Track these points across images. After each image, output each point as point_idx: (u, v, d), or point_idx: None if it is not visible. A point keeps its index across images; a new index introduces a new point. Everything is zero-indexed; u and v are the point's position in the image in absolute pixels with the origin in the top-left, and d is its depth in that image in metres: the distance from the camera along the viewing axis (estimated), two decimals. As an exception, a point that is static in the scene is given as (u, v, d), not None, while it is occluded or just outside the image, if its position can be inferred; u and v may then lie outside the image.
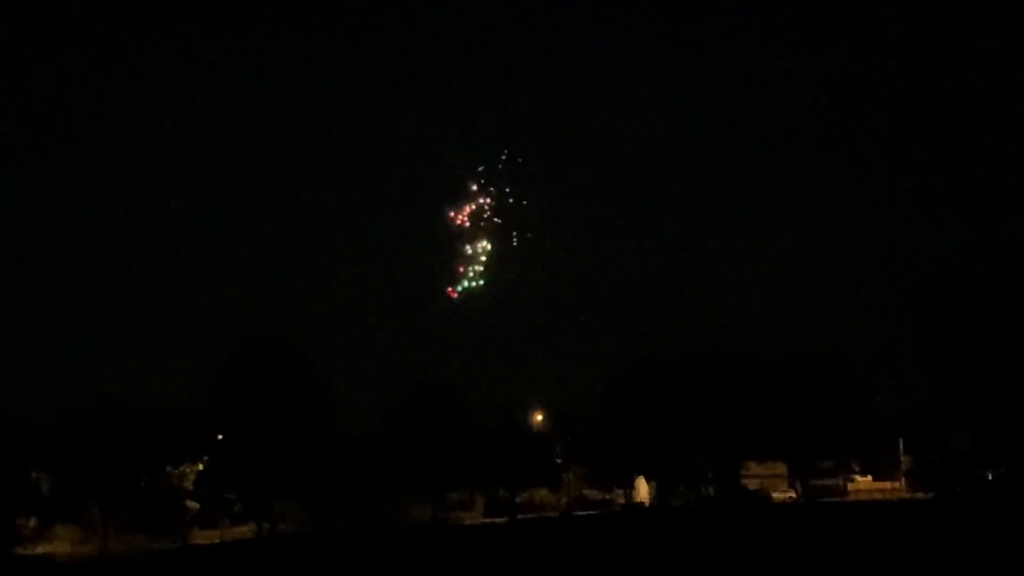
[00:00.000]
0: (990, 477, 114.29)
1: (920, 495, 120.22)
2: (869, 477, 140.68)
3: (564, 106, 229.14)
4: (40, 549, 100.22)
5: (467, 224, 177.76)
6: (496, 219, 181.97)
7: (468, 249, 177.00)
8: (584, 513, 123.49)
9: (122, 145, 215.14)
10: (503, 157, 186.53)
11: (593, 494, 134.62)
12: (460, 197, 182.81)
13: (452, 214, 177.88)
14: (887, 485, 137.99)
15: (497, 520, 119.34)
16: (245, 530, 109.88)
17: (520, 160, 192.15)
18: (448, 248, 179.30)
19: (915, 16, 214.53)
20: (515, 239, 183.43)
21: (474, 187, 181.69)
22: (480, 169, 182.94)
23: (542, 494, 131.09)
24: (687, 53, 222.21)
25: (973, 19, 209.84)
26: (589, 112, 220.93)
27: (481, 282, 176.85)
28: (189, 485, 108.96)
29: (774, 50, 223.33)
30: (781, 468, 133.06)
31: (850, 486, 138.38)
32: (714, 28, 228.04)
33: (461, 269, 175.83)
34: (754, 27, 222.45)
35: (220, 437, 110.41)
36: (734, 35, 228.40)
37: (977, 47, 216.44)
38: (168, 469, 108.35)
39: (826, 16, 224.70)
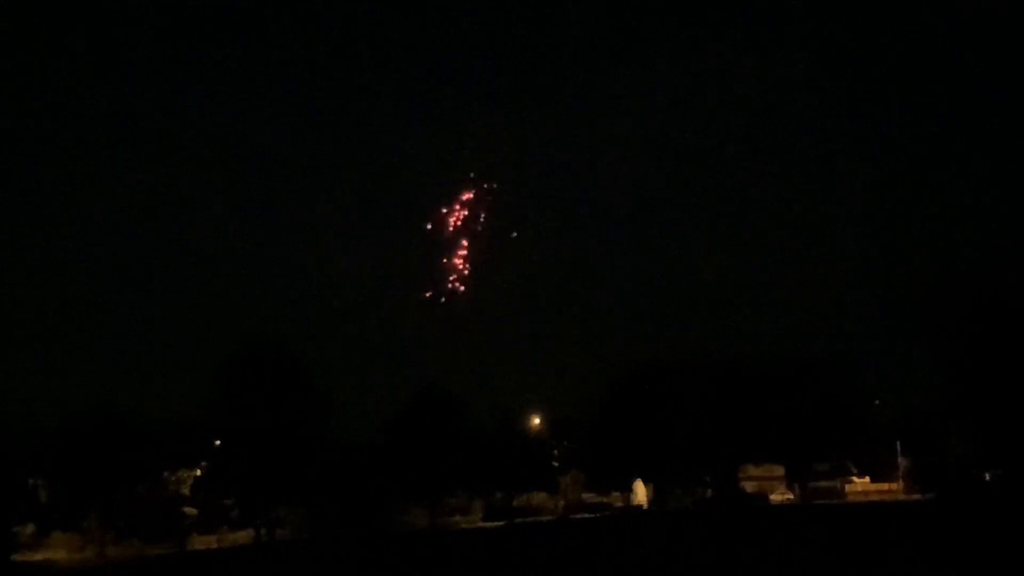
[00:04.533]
0: (987, 478, 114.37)
1: (918, 496, 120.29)
2: (867, 479, 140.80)
3: (562, 111, 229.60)
4: (38, 556, 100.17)
5: (459, 226, 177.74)
6: (490, 223, 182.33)
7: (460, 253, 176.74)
8: (580, 516, 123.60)
9: (124, 153, 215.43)
10: (500, 160, 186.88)
11: (591, 497, 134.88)
12: (456, 201, 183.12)
13: (448, 217, 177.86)
14: (885, 486, 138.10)
15: (495, 524, 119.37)
16: (243, 536, 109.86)
17: (517, 164, 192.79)
18: (443, 253, 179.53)
19: (917, 21, 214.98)
20: (511, 244, 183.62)
21: (471, 191, 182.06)
22: (476, 174, 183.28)
23: (539, 498, 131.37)
24: (689, 58, 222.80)
25: (974, 22, 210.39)
26: (589, 117, 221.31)
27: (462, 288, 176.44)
28: (187, 491, 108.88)
29: (777, 54, 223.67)
30: (779, 470, 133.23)
31: (848, 487, 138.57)
32: (717, 34, 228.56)
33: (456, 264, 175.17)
34: (757, 32, 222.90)
35: (217, 443, 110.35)
36: (737, 41, 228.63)
37: (978, 49, 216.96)
38: (166, 475, 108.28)
39: (828, 22, 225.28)
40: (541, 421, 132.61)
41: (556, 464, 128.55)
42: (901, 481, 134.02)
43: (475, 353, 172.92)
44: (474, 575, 61.41)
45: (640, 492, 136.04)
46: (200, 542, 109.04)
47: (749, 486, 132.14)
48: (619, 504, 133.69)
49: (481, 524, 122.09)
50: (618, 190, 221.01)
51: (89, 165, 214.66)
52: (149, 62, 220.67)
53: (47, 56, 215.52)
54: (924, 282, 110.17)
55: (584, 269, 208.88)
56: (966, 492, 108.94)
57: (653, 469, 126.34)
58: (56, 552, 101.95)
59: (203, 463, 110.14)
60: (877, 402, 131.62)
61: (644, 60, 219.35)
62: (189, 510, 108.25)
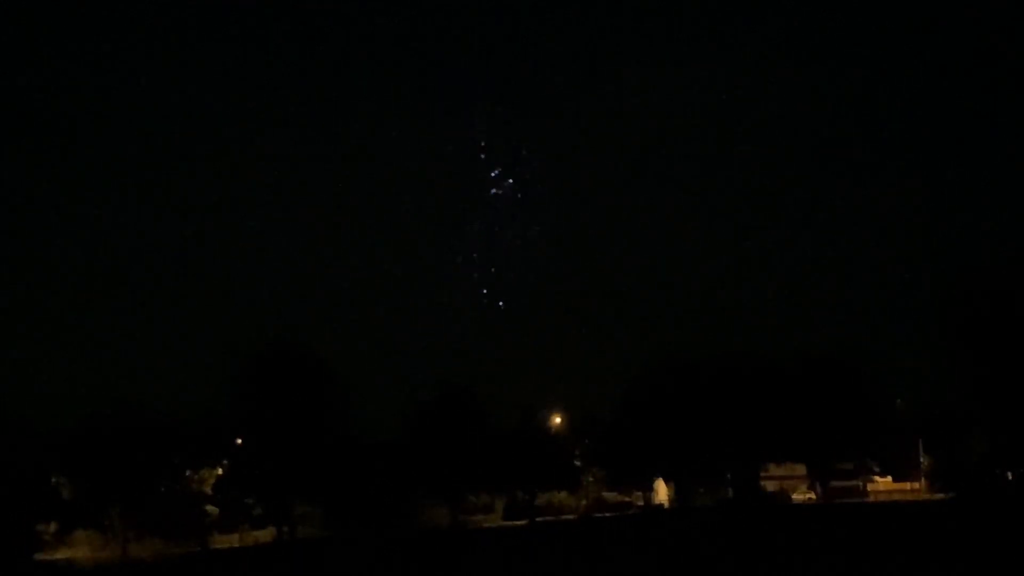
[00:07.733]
0: (1010, 477, 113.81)
1: (940, 496, 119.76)
2: (889, 478, 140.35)
3: (580, 109, 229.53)
4: (60, 554, 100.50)
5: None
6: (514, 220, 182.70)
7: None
8: (602, 515, 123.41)
9: (140, 154, 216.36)
10: (522, 158, 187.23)
11: (612, 496, 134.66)
12: (479, 196, 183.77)
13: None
14: (907, 486, 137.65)
15: (517, 523, 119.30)
16: (265, 534, 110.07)
17: (539, 163, 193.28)
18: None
19: (920, 20, 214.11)
20: (531, 242, 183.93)
21: (493, 189, 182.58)
22: (498, 171, 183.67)
23: (561, 496, 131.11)
24: (702, 58, 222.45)
25: (976, 22, 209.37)
26: (608, 116, 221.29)
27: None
28: (208, 489, 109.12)
29: (788, 53, 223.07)
30: (801, 470, 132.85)
31: (870, 487, 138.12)
32: (726, 32, 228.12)
33: None
34: (765, 31, 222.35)
35: (239, 441, 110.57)
36: (746, 40, 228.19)
37: (985, 48, 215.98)
38: (187, 474, 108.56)
39: (833, 22, 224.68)
40: (562, 419, 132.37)
41: (578, 463, 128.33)
42: (923, 480, 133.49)
43: (497, 351, 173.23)
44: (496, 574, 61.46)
45: (661, 491, 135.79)
46: (222, 540, 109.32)
47: (771, 485, 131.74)
48: (640, 503, 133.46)
49: (502, 523, 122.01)
50: (642, 188, 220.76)
51: (108, 168, 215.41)
52: (162, 62, 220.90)
53: (56, 55, 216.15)
54: (947, 280, 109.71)
55: (605, 267, 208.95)
56: (988, 491, 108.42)
57: (674, 468, 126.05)
58: (78, 550, 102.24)
59: (225, 461, 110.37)
60: (899, 401, 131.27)
61: (648, 59, 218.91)
62: (211, 508, 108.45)
